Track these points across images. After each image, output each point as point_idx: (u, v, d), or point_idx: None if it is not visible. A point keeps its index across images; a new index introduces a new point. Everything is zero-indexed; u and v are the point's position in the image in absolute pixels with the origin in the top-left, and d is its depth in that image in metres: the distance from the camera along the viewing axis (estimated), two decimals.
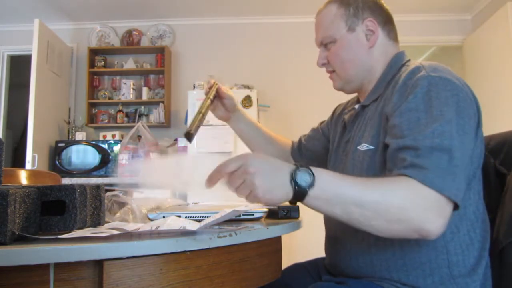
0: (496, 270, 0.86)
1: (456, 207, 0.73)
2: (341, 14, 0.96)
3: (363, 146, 0.88)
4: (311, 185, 0.69)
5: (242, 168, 0.69)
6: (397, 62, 0.96)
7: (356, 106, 1.02)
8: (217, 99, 1.17)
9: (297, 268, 1.11)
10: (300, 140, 1.27)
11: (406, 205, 0.70)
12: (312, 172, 0.69)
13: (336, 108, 1.20)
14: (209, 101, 1.08)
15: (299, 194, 0.69)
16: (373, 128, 0.88)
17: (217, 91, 1.15)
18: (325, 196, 0.70)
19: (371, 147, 0.86)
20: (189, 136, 0.91)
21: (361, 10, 0.96)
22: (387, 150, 0.80)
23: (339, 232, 0.93)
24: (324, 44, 1.00)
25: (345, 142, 1.00)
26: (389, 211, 0.70)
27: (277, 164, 0.71)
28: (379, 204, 0.70)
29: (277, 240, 0.83)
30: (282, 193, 0.69)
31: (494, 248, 0.87)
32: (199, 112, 1.00)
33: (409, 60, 0.97)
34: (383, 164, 0.83)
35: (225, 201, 1.03)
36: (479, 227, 0.84)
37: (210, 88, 1.13)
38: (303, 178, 0.69)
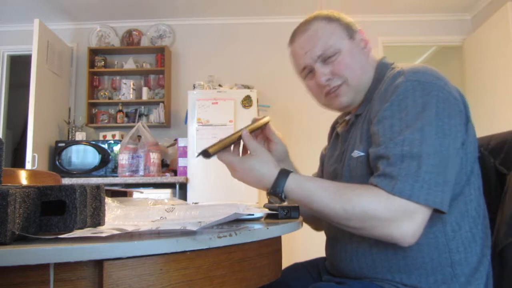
0: (496, 270, 0.86)
1: (438, 210, 0.75)
2: (337, 26, 0.95)
3: (355, 153, 0.89)
4: (282, 202, 0.84)
5: (233, 173, 0.89)
6: (383, 68, 0.96)
7: (347, 117, 1.01)
8: (264, 142, 1.02)
9: (297, 268, 1.11)
10: None
11: (368, 214, 0.74)
12: (282, 196, 0.82)
13: (329, 132, 1.18)
14: (245, 131, 0.90)
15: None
16: (363, 135, 0.89)
17: (265, 130, 1.00)
18: (297, 203, 0.85)
19: (362, 154, 0.88)
20: (205, 154, 0.86)
21: (349, 23, 0.98)
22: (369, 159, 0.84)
23: (339, 234, 0.93)
24: (323, 60, 0.94)
25: (341, 152, 0.99)
26: (352, 220, 0.77)
27: (258, 183, 0.86)
28: (342, 216, 0.77)
29: (277, 240, 0.83)
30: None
31: (494, 248, 0.87)
32: (228, 136, 0.89)
33: (393, 63, 0.97)
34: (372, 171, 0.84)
35: (224, 201, 1.03)
36: (480, 223, 0.84)
37: (258, 120, 0.98)
38: (274, 200, 0.84)
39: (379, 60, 0.99)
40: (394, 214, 0.73)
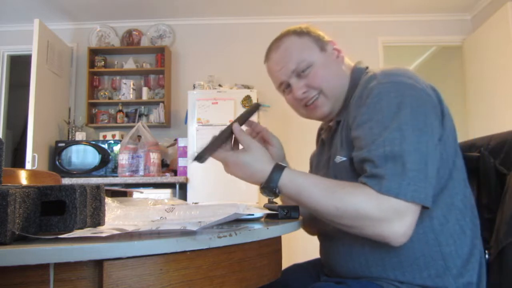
0: (496, 270, 0.86)
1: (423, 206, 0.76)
2: (308, 40, 0.98)
3: (338, 159, 0.91)
4: (275, 197, 0.85)
5: (226, 168, 0.89)
6: (358, 73, 0.98)
7: (331, 123, 1.03)
8: (261, 143, 1.00)
9: (297, 268, 1.12)
10: None
11: (360, 213, 0.75)
12: (276, 191, 0.83)
13: (316, 137, 1.19)
14: (235, 125, 0.90)
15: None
16: (343, 140, 0.91)
17: (263, 132, 1.02)
18: (290, 198, 0.85)
19: (344, 159, 0.89)
20: (200, 159, 0.88)
21: (319, 36, 1.00)
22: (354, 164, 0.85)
23: (332, 237, 0.93)
24: (298, 74, 0.97)
25: (327, 159, 1.00)
26: (344, 218, 0.78)
27: (251, 178, 0.86)
28: (334, 214, 0.78)
29: (277, 240, 0.84)
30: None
31: (494, 248, 0.87)
32: (220, 133, 0.90)
33: (367, 68, 1.00)
34: (357, 174, 0.85)
35: (224, 201, 1.03)
36: (468, 215, 0.85)
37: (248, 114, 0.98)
38: (268, 194, 0.85)
39: (354, 65, 1.01)
40: (385, 214, 0.74)
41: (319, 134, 1.17)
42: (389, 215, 0.74)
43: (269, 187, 0.83)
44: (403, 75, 0.84)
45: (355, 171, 0.85)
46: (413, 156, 0.75)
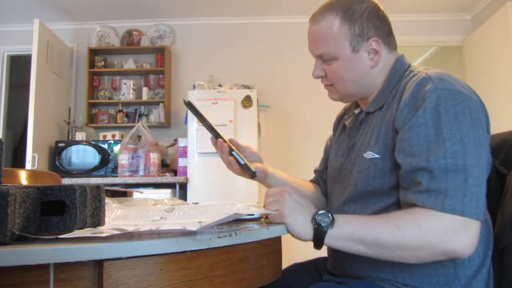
0: (497, 270, 0.86)
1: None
2: (345, 32, 0.90)
3: (369, 154, 0.88)
4: (330, 224, 0.76)
5: (279, 205, 0.80)
6: (399, 68, 0.94)
7: (356, 111, 1.02)
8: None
9: (297, 268, 1.11)
10: (316, 174, 1.21)
11: (424, 233, 0.72)
12: (331, 215, 0.77)
13: (335, 123, 1.18)
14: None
15: (319, 232, 0.77)
16: (379, 137, 0.87)
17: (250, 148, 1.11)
18: (343, 235, 0.77)
19: (377, 156, 0.86)
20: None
21: (366, 28, 0.91)
22: (401, 170, 0.80)
23: None
24: (322, 59, 0.95)
25: (349, 147, 0.99)
26: (407, 241, 0.73)
27: (305, 206, 0.81)
28: (394, 237, 0.73)
29: (277, 240, 0.84)
30: (304, 230, 0.78)
31: (494, 249, 0.87)
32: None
33: (410, 65, 0.95)
34: (389, 172, 0.84)
35: (225, 201, 1.03)
36: (483, 227, 0.84)
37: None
38: (323, 219, 0.77)
39: (396, 58, 0.96)
40: (451, 227, 0.71)
41: (339, 120, 1.14)
42: (455, 227, 0.71)
43: (319, 225, 0.77)
44: (459, 84, 0.81)
45: (387, 170, 0.83)
46: (475, 171, 0.73)
